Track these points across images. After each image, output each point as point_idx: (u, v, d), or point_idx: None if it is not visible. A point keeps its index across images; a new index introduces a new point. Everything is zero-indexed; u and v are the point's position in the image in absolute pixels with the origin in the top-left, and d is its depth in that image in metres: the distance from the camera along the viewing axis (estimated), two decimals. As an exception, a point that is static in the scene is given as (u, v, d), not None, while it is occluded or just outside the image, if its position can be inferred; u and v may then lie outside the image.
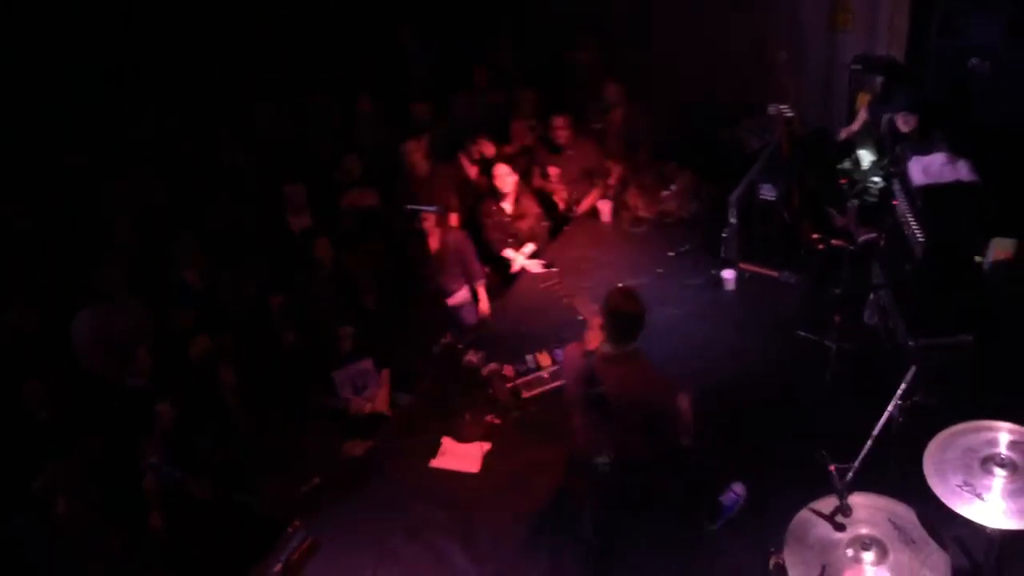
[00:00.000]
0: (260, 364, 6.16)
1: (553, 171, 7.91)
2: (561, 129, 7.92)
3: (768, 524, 4.03)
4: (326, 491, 5.48)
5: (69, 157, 7.74)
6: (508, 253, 7.41)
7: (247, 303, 6.61)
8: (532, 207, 7.55)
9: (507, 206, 7.40)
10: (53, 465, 4.97)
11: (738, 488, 4.92)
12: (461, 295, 7.04)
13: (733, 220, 6.84)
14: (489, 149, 7.93)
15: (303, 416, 6.07)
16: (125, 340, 5.91)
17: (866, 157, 7.17)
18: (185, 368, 5.96)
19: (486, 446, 5.63)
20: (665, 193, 7.73)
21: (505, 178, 7.27)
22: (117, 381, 5.81)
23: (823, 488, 3.75)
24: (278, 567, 4.86)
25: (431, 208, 6.69)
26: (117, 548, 5.04)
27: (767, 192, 6.79)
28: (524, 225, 7.48)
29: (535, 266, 7.34)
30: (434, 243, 6.82)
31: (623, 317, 4.28)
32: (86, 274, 6.50)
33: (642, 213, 7.75)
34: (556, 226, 7.81)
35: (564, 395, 4.46)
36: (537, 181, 7.93)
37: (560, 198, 7.93)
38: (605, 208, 7.83)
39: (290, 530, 5.11)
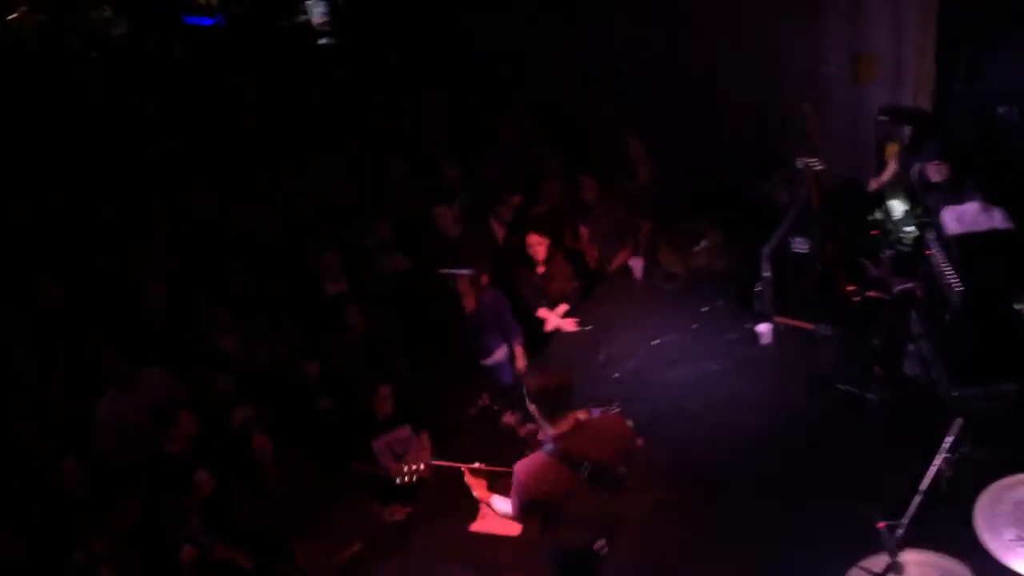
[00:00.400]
0: (297, 431, 6.19)
1: (583, 231, 7.96)
2: (589, 188, 7.99)
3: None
4: (367, 557, 5.46)
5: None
6: (543, 313, 7.42)
7: (282, 370, 6.65)
8: (563, 268, 7.58)
9: (539, 268, 7.44)
10: (92, 539, 4.99)
11: None
12: (499, 354, 7.05)
13: (767, 273, 6.82)
14: (512, 205, 7.99)
15: (341, 482, 6.07)
16: (142, 420, 5.94)
17: (898, 207, 7.14)
18: (222, 435, 6.01)
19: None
20: (696, 249, 7.72)
21: (536, 247, 7.33)
22: (133, 461, 5.85)
23: (871, 545, 3.68)
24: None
25: (464, 271, 6.73)
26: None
27: (800, 245, 6.78)
28: (556, 286, 7.50)
29: (570, 325, 7.35)
30: (470, 303, 6.85)
31: (550, 392, 3.96)
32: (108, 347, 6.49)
33: (674, 269, 7.74)
34: (588, 285, 7.82)
35: (535, 507, 3.95)
36: (568, 241, 7.96)
37: (592, 257, 7.95)
38: (637, 265, 7.84)
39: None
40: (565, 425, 3.92)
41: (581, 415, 4.02)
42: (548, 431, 3.93)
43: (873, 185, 7.53)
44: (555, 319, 7.38)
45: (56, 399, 6.38)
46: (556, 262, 7.53)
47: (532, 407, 3.96)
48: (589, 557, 4.08)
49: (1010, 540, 3.58)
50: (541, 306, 7.41)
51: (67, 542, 4.98)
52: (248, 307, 7.10)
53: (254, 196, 8.51)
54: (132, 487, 5.55)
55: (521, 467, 3.90)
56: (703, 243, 7.72)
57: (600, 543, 4.08)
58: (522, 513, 4.00)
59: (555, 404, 3.91)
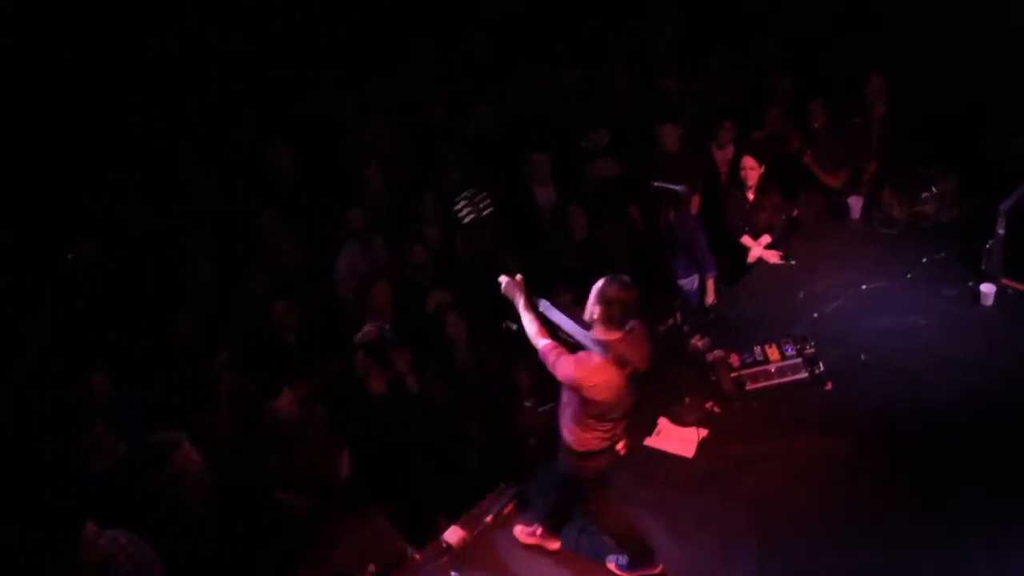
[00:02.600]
0: (486, 317, 6.36)
1: (807, 158, 7.61)
2: (817, 115, 7.63)
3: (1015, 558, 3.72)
4: (540, 451, 5.61)
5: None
6: (746, 241, 7.20)
7: (481, 261, 6.83)
8: (774, 199, 7.28)
9: (749, 195, 7.19)
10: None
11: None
12: (688, 281, 6.94)
13: (1001, 231, 6.31)
14: (729, 134, 7.76)
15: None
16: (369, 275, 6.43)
17: None
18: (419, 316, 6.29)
19: (703, 432, 5.55)
20: (925, 195, 7.20)
21: (749, 171, 7.05)
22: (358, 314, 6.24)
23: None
24: (488, 518, 5.04)
25: (677, 187, 6.60)
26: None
27: (1044, 205, 6.20)
28: (763, 216, 7.24)
29: (772, 256, 7.11)
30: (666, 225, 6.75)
31: (625, 305, 4.10)
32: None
33: (896, 213, 7.29)
34: (794, 221, 7.52)
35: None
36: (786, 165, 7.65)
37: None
38: (856, 205, 7.44)
39: (502, 484, 5.30)
40: (618, 334, 4.10)
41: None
42: (603, 335, 4.12)
43: None
44: (758, 249, 7.16)
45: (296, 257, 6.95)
46: (767, 193, 7.24)
47: (597, 309, 4.10)
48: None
49: None
50: (745, 234, 7.20)
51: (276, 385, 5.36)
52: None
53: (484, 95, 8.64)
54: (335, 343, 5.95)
55: (573, 362, 4.08)
56: (933, 190, 7.19)
57: (620, 444, 4.53)
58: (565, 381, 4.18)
59: (623, 317, 4.11)
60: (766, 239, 7.20)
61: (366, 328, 5.56)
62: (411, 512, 5.25)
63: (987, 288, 6.30)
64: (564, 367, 4.09)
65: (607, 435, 4.30)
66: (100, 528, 4.35)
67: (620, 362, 4.07)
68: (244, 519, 4.98)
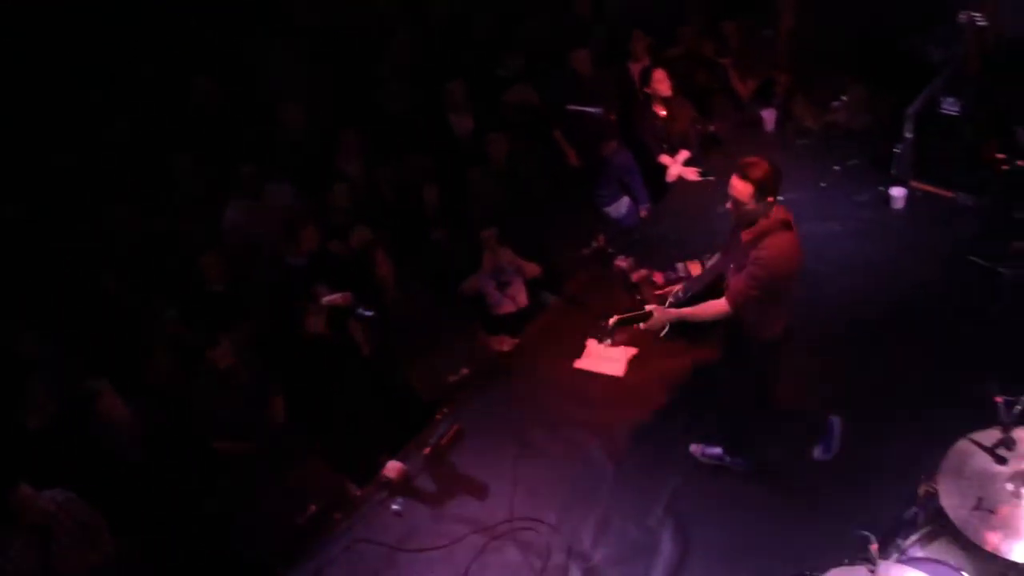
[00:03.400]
0: (414, 256, 6.34)
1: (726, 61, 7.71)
2: (731, 34, 7.68)
3: (924, 452, 3.90)
4: (473, 382, 5.66)
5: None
6: (664, 160, 7.26)
7: (405, 196, 6.76)
8: (685, 111, 7.34)
9: (661, 110, 7.22)
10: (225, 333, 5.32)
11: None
12: (617, 206, 6.98)
13: (909, 135, 6.46)
14: (642, 43, 7.73)
15: (452, 310, 6.23)
16: (266, 231, 6.29)
17: (1063, 72, 6.58)
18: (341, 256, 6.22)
19: (632, 351, 5.65)
20: (835, 104, 7.33)
21: (659, 83, 7.07)
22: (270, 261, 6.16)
23: (986, 420, 3.59)
24: (427, 450, 5.09)
25: (593, 109, 6.59)
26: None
27: (950, 106, 6.37)
28: (677, 129, 7.29)
29: (691, 174, 7.18)
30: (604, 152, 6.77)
31: (777, 176, 4.13)
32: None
33: (808, 123, 7.41)
34: (712, 135, 7.59)
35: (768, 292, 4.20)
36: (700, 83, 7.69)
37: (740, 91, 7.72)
38: (769, 117, 7.53)
39: (438, 417, 5.35)
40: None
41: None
42: (773, 213, 4.14)
43: (1041, 46, 6.92)
44: (677, 167, 7.22)
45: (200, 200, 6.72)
46: (679, 104, 7.28)
47: (753, 192, 4.07)
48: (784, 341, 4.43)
49: None
50: (662, 152, 7.25)
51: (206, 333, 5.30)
52: (380, 131, 7.16)
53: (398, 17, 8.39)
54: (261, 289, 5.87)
55: (771, 253, 4.10)
56: (843, 98, 7.32)
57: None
58: (758, 301, 4.20)
59: (776, 187, 4.11)
60: (684, 155, 7.26)
61: (337, 295, 5.50)
62: (353, 454, 5.28)
63: (897, 191, 6.48)
64: (762, 269, 4.09)
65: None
66: (36, 489, 4.30)
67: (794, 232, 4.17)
68: (182, 467, 4.96)
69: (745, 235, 4.21)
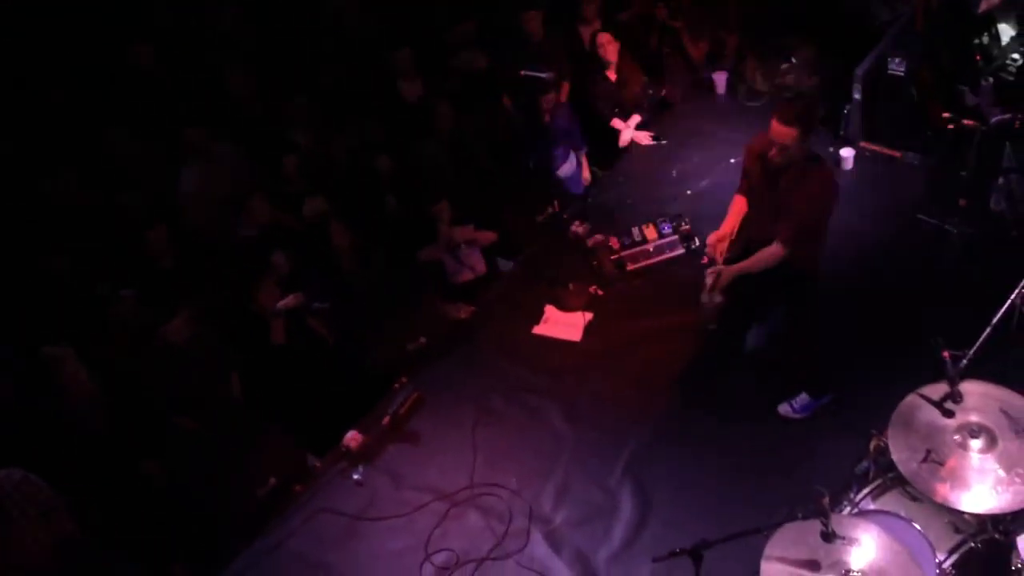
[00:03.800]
0: (369, 226, 6.27)
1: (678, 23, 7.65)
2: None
3: (873, 406, 3.98)
4: (432, 351, 5.65)
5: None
6: (616, 124, 7.26)
7: (358, 165, 6.68)
8: (636, 75, 7.33)
9: (611, 75, 7.21)
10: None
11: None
12: (567, 167, 6.97)
13: (857, 96, 6.53)
14: (593, 6, 7.67)
15: (409, 279, 6.20)
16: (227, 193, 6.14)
17: (1007, 32, 6.66)
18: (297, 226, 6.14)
19: (588, 316, 5.70)
20: (784, 66, 7.37)
21: (607, 46, 7.05)
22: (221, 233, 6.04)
23: (934, 375, 3.67)
24: (386, 419, 5.09)
25: (544, 74, 6.56)
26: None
27: (896, 67, 6.42)
28: (629, 93, 7.29)
29: (644, 138, 7.20)
30: (546, 115, 6.72)
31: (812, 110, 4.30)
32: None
33: (759, 86, 7.44)
34: (664, 98, 7.59)
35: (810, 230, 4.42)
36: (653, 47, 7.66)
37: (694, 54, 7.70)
38: (720, 80, 7.56)
39: (397, 385, 5.34)
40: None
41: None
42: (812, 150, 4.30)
43: (984, 6, 6.98)
44: (629, 131, 7.23)
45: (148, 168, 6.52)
46: (628, 68, 7.27)
47: (798, 135, 4.14)
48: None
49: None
50: (614, 116, 7.25)
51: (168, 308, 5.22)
52: (330, 101, 7.04)
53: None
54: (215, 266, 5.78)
55: (820, 188, 4.27)
56: (792, 60, 7.36)
57: None
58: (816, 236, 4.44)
59: (816, 121, 4.31)
60: (636, 119, 7.28)
61: (288, 298, 5.41)
62: (314, 427, 5.26)
63: (846, 152, 6.55)
64: (814, 207, 4.25)
65: None
66: None
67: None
68: (139, 441, 4.90)
69: (784, 180, 4.30)
